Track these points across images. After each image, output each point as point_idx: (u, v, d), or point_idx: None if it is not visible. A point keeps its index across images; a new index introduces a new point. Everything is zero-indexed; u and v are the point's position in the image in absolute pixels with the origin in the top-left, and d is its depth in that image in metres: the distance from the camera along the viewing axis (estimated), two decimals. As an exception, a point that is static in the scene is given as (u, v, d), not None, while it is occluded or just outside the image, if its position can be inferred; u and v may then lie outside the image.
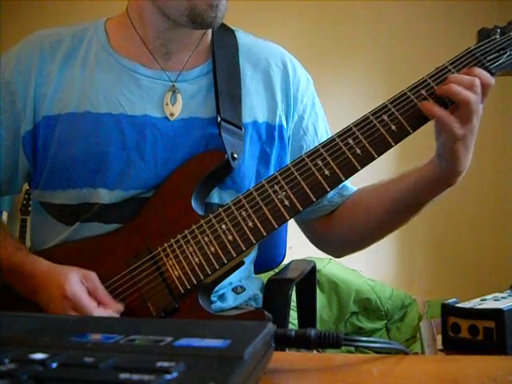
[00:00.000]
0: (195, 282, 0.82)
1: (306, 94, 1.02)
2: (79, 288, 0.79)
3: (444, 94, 0.80)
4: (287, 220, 0.82)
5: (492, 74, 0.83)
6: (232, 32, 1.02)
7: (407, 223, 0.96)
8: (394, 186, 0.94)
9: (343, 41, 2.95)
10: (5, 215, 2.75)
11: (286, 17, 2.93)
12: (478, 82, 0.79)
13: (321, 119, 1.05)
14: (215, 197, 0.92)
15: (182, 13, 0.86)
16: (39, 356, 0.33)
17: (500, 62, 0.84)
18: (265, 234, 0.81)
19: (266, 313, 0.84)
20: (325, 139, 1.01)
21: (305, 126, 1.01)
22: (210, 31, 0.99)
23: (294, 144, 1.00)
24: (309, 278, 1.17)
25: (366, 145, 0.80)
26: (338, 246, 1.06)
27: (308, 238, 1.09)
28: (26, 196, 2.68)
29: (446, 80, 0.81)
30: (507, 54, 0.84)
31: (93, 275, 0.82)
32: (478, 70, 0.81)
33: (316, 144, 0.99)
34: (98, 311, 0.79)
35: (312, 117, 1.02)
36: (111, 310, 0.81)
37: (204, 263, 0.82)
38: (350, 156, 0.81)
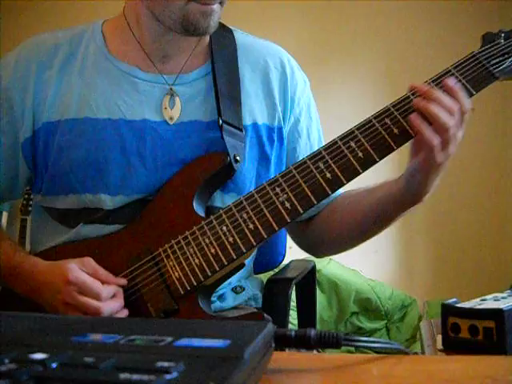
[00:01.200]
0: (195, 284, 0.82)
1: (303, 96, 1.03)
2: (80, 272, 0.80)
3: (423, 111, 0.79)
4: (288, 222, 0.82)
5: (496, 78, 0.83)
6: (230, 32, 1.01)
7: (384, 229, 0.95)
8: (366, 198, 0.95)
9: (345, 39, 2.94)
10: (5, 215, 2.74)
11: (287, 15, 2.93)
12: (458, 108, 0.78)
13: (314, 123, 1.05)
14: (218, 200, 0.92)
15: (175, 21, 0.86)
16: (39, 356, 0.33)
17: (504, 66, 0.84)
18: (265, 236, 0.81)
19: (264, 315, 0.84)
20: (317, 144, 1.02)
21: (300, 128, 1.01)
22: None
23: (288, 146, 1.01)
24: (309, 278, 1.17)
25: (368, 148, 0.80)
26: (315, 247, 1.08)
27: (288, 233, 1.10)
28: (26, 196, 2.68)
29: (427, 95, 0.79)
30: (511, 58, 0.84)
31: (89, 259, 0.83)
32: (461, 95, 0.80)
33: (308, 148, 1.00)
34: (104, 288, 0.80)
35: (306, 120, 1.03)
36: (115, 285, 0.82)
37: (204, 264, 0.82)
38: (351, 159, 0.80)
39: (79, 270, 0.81)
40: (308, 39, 2.92)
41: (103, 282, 0.81)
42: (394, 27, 2.92)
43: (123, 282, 0.84)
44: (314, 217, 1.03)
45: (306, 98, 1.03)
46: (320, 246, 1.06)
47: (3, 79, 0.93)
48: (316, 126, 1.05)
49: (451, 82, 0.80)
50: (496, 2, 2.75)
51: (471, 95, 0.82)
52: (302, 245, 1.09)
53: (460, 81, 0.82)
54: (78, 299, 0.79)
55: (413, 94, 0.82)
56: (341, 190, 1.02)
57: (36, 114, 0.91)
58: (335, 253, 1.11)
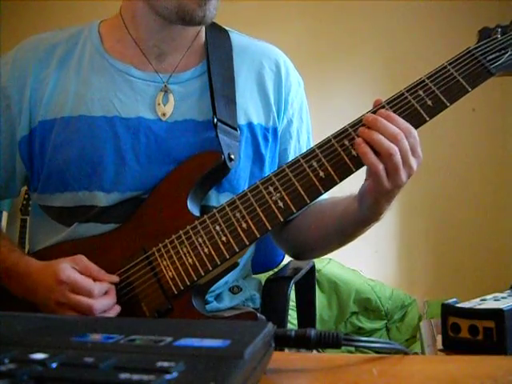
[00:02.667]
0: (188, 283, 0.82)
1: (296, 98, 1.03)
2: (72, 271, 0.81)
3: (366, 139, 0.78)
4: (281, 222, 0.81)
5: (492, 75, 0.82)
6: (226, 33, 1.01)
7: (355, 236, 0.94)
8: (329, 210, 0.95)
9: (344, 39, 2.95)
10: (5, 215, 2.75)
11: (287, 15, 2.93)
12: (401, 134, 0.76)
13: (305, 125, 1.05)
14: (213, 199, 0.92)
15: (171, 11, 0.87)
16: (39, 356, 0.33)
17: (500, 62, 0.83)
18: (258, 235, 0.81)
19: (258, 315, 0.84)
20: (305, 146, 1.02)
21: (292, 130, 1.02)
22: (203, 32, 0.99)
23: (279, 147, 1.01)
24: (308, 278, 1.17)
25: None
26: (289, 249, 1.08)
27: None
28: (26, 196, 2.68)
29: (371, 125, 0.78)
30: (508, 53, 0.83)
31: (81, 257, 0.83)
32: (400, 121, 0.78)
33: (297, 150, 1.01)
34: (95, 286, 0.80)
35: (298, 122, 1.03)
36: (107, 282, 0.82)
37: (197, 264, 0.82)
38: (345, 158, 0.80)
39: (71, 269, 0.81)
40: (307, 39, 2.92)
41: (95, 279, 0.81)
42: (394, 26, 2.92)
43: (115, 278, 0.84)
44: (292, 219, 1.03)
45: (299, 100, 1.04)
46: (296, 248, 1.07)
47: (1, 78, 0.94)
48: (306, 128, 1.06)
49: (384, 112, 0.79)
50: (496, 1, 2.76)
51: (467, 92, 0.81)
52: (281, 246, 1.10)
53: (455, 77, 0.81)
54: (71, 298, 0.79)
55: (409, 93, 0.81)
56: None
57: (33, 112, 0.92)
58: (310, 257, 1.12)
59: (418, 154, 0.78)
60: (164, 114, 0.92)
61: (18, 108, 0.92)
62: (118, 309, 0.82)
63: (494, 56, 0.83)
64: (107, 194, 0.89)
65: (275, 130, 0.99)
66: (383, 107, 0.81)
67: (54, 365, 0.32)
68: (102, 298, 0.80)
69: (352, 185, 0.88)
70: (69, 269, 0.81)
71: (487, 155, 2.85)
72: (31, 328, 0.43)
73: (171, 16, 0.88)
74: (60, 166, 0.90)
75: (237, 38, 1.02)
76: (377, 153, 0.77)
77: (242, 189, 0.91)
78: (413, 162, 0.77)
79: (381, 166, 0.76)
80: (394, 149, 0.75)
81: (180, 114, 0.92)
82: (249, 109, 0.96)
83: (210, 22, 0.91)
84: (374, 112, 0.81)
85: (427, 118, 0.80)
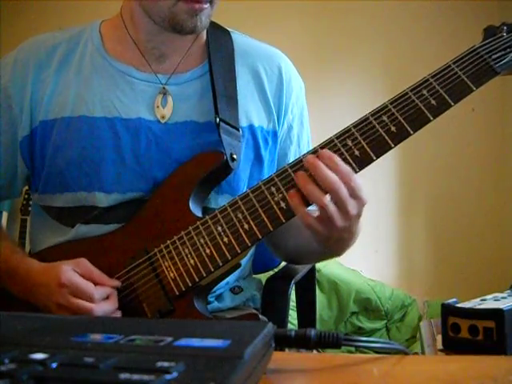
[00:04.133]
0: (190, 284, 0.82)
1: (297, 103, 1.03)
2: (73, 274, 0.81)
3: (301, 188, 0.77)
4: (283, 223, 0.81)
5: (497, 74, 0.81)
6: (227, 33, 1.01)
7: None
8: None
9: (344, 39, 2.95)
10: (5, 215, 2.75)
11: (286, 15, 2.93)
12: (339, 184, 0.74)
13: (305, 130, 1.05)
14: (212, 201, 0.92)
15: (164, 19, 0.87)
16: (39, 356, 0.33)
17: (505, 60, 0.81)
18: (260, 236, 0.81)
19: (260, 316, 0.84)
20: (306, 149, 1.02)
21: (292, 135, 1.02)
22: (204, 33, 0.98)
23: (279, 152, 1.01)
24: (308, 278, 1.17)
25: (365, 146, 0.79)
26: (278, 252, 1.08)
27: None
28: (26, 196, 2.68)
29: (309, 166, 0.77)
30: None
31: (83, 260, 0.83)
32: (339, 163, 0.76)
33: (297, 154, 1.00)
34: (96, 290, 0.80)
35: (298, 127, 1.03)
36: (109, 287, 0.82)
37: (199, 265, 0.82)
38: (348, 158, 0.80)
39: (72, 272, 0.81)
40: (307, 39, 2.92)
41: (97, 284, 0.81)
42: (393, 27, 2.92)
43: (117, 283, 0.84)
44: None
45: (299, 105, 1.03)
46: (280, 253, 1.07)
47: (2, 79, 0.94)
48: (306, 132, 1.05)
49: (326, 153, 0.77)
50: (496, 2, 2.76)
51: (471, 91, 0.80)
52: (275, 251, 1.09)
53: (459, 76, 0.80)
54: (71, 301, 0.79)
55: (411, 91, 0.81)
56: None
57: (33, 112, 0.92)
58: (304, 263, 1.12)
59: (360, 199, 0.76)
60: (163, 117, 0.91)
61: (19, 108, 0.92)
62: (118, 314, 0.82)
63: (499, 55, 0.82)
64: (107, 194, 0.89)
65: (275, 133, 0.99)
66: (332, 141, 0.80)
67: (54, 365, 0.32)
68: (102, 303, 0.80)
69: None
70: (70, 272, 0.80)
71: (487, 155, 2.85)
72: (31, 328, 0.43)
73: (163, 24, 0.88)
74: (60, 166, 0.90)
75: (239, 39, 1.01)
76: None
77: (241, 191, 0.91)
78: (352, 207, 0.75)
79: (311, 218, 0.76)
80: (326, 200, 0.75)
81: (180, 116, 0.92)
82: (250, 111, 0.96)
83: (203, 30, 0.91)
84: (316, 151, 0.80)
85: (431, 118, 0.79)
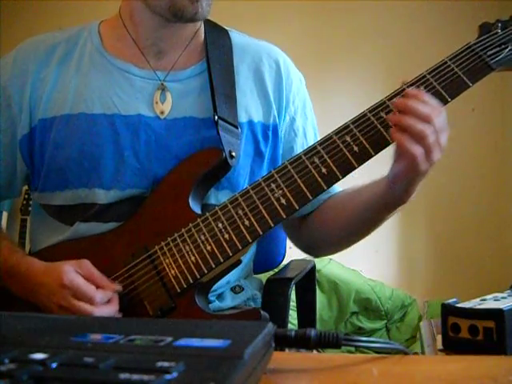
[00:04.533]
0: (191, 281, 0.82)
1: (298, 95, 1.03)
2: (75, 275, 0.80)
3: (399, 123, 0.77)
4: (284, 219, 0.81)
5: (492, 70, 0.82)
6: (225, 32, 1.02)
7: (378, 227, 0.94)
8: (353, 198, 0.95)
9: (345, 37, 2.95)
10: (5, 215, 2.75)
11: (286, 15, 2.93)
12: (432, 113, 0.76)
13: (310, 121, 1.05)
14: (212, 197, 0.92)
15: (164, 7, 0.88)
16: (39, 356, 0.33)
17: (501, 57, 0.83)
18: (261, 232, 0.81)
19: (261, 312, 0.84)
20: (313, 142, 1.02)
21: (296, 127, 1.02)
22: (202, 31, 0.99)
23: (284, 145, 1.01)
24: (309, 278, 1.17)
25: (364, 142, 0.80)
26: (309, 246, 1.08)
27: (285, 232, 1.10)
28: (26, 196, 2.68)
29: (403, 105, 0.77)
30: (508, 48, 0.83)
31: (86, 262, 0.83)
32: (427, 99, 0.77)
33: (304, 146, 1.00)
34: (98, 293, 0.80)
35: (302, 119, 1.03)
36: (110, 290, 0.82)
37: (200, 262, 0.82)
38: (347, 153, 0.80)
39: (74, 273, 0.80)
40: (307, 38, 2.92)
41: (98, 286, 0.81)
42: (393, 26, 2.92)
43: (118, 287, 0.83)
44: (308, 215, 1.02)
45: (301, 97, 1.03)
46: (313, 244, 1.06)
47: (1, 78, 0.94)
48: (311, 124, 1.05)
49: (413, 91, 0.79)
50: (496, 1, 2.75)
51: (468, 87, 0.81)
52: (298, 243, 1.09)
53: (456, 72, 0.81)
54: (72, 303, 0.78)
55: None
56: (338, 189, 1.03)
57: (33, 111, 0.92)
58: (329, 253, 1.11)
59: (446, 129, 0.78)
60: (162, 112, 0.92)
61: (19, 107, 0.93)
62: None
63: (494, 51, 0.83)
64: (107, 191, 0.89)
65: (276, 127, 0.99)
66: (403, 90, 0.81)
67: (54, 365, 0.32)
68: (103, 307, 0.80)
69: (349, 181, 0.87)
70: (72, 273, 0.80)
71: (487, 155, 2.85)
72: (31, 328, 0.43)
73: (164, 13, 0.89)
74: (60, 163, 0.90)
75: (236, 36, 1.02)
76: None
77: (241, 186, 0.91)
78: (444, 138, 0.77)
79: (419, 151, 0.75)
80: (428, 130, 0.75)
81: (179, 112, 0.92)
82: (249, 106, 0.96)
83: (204, 18, 0.91)
84: (399, 93, 0.81)
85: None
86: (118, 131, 0.90)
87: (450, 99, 0.80)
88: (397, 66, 2.82)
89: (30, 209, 2.55)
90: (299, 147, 1.01)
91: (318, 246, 1.06)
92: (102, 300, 0.80)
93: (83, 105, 0.91)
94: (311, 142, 1.03)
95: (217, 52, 0.97)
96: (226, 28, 1.03)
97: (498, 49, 0.83)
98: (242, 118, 0.95)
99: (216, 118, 0.89)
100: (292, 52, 1.08)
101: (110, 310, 0.81)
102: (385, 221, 0.91)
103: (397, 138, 0.77)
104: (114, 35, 0.97)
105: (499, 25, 0.85)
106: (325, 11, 2.94)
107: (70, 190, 0.90)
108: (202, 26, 1.00)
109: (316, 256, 1.12)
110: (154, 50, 0.95)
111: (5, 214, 2.75)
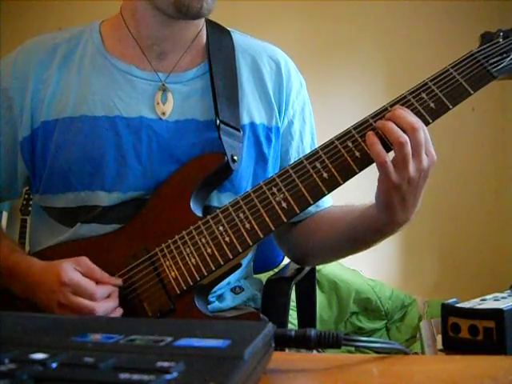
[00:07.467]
0: (191, 283, 0.82)
1: (298, 99, 1.02)
2: (74, 272, 0.80)
3: (380, 128, 0.78)
4: (284, 222, 0.82)
5: (494, 78, 0.83)
6: (228, 33, 1.01)
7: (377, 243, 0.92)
8: (347, 216, 0.94)
9: (344, 38, 2.95)
10: (5, 215, 2.74)
11: (286, 14, 2.93)
12: (418, 125, 0.76)
13: (308, 126, 1.05)
14: (214, 200, 0.92)
15: (168, 3, 0.87)
16: (39, 356, 0.33)
17: (502, 65, 0.84)
18: (262, 236, 0.81)
19: (261, 315, 0.84)
20: (309, 147, 1.02)
21: (293, 131, 1.01)
22: (204, 32, 0.99)
23: (281, 148, 1.01)
24: (308, 278, 1.17)
25: (365, 147, 0.80)
26: (294, 254, 1.08)
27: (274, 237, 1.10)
28: (26, 196, 2.68)
29: (390, 113, 0.79)
30: (510, 57, 0.84)
31: (84, 259, 0.83)
32: (415, 118, 0.78)
33: (300, 151, 1.01)
34: (98, 289, 0.80)
35: (300, 123, 1.03)
36: (110, 285, 0.82)
37: (200, 264, 0.82)
38: (348, 159, 0.80)
39: (73, 270, 0.80)
40: (307, 38, 2.92)
41: (98, 282, 0.81)
42: (394, 26, 2.92)
43: (118, 281, 0.84)
44: (297, 224, 1.02)
45: (300, 101, 1.03)
46: (298, 254, 1.06)
47: (2, 80, 0.94)
48: (309, 129, 1.05)
49: (401, 107, 0.80)
50: (496, 1, 2.75)
51: (469, 94, 0.82)
52: (284, 250, 1.09)
53: (458, 80, 0.82)
54: (72, 300, 0.79)
55: (409, 94, 0.82)
56: (329, 203, 1.03)
57: (34, 113, 0.92)
58: (309, 263, 1.11)
59: (431, 153, 0.78)
60: (163, 113, 0.92)
61: (20, 109, 0.92)
62: (120, 312, 0.82)
63: (496, 59, 0.84)
64: (109, 193, 0.89)
65: (278, 129, 0.99)
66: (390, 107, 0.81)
67: (54, 365, 0.32)
68: (104, 302, 0.80)
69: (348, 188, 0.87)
70: (71, 270, 0.80)
71: (487, 155, 2.85)
72: (31, 328, 0.43)
73: (168, 9, 0.88)
74: (62, 166, 0.90)
75: (239, 37, 1.02)
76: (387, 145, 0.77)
77: (244, 189, 0.91)
78: (424, 158, 0.77)
79: (386, 158, 0.76)
80: (405, 138, 0.75)
81: (181, 114, 0.92)
82: (251, 108, 0.96)
83: (208, 14, 0.90)
84: (400, 100, 0.81)
85: (430, 120, 0.80)
86: (119, 133, 0.90)
87: (451, 106, 0.81)
88: (397, 66, 2.83)
89: (30, 209, 2.56)
90: (294, 151, 1.01)
91: (303, 254, 1.05)
92: (102, 295, 0.80)
93: (85, 107, 0.91)
94: (308, 147, 1.03)
95: (219, 53, 0.96)
96: (229, 29, 1.03)
97: (499, 57, 0.84)
98: (244, 120, 0.95)
99: (218, 122, 0.89)
100: (292, 52, 1.08)
101: (110, 304, 0.81)
102: (369, 245, 0.91)
103: (369, 139, 0.78)
104: (116, 35, 0.96)
105: (501, 34, 0.86)
106: (325, 11, 2.94)
107: (71, 193, 0.90)
108: (204, 27, 0.99)
109: (298, 263, 1.12)
110: (156, 50, 0.94)
111: (5, 214, 2.75)
